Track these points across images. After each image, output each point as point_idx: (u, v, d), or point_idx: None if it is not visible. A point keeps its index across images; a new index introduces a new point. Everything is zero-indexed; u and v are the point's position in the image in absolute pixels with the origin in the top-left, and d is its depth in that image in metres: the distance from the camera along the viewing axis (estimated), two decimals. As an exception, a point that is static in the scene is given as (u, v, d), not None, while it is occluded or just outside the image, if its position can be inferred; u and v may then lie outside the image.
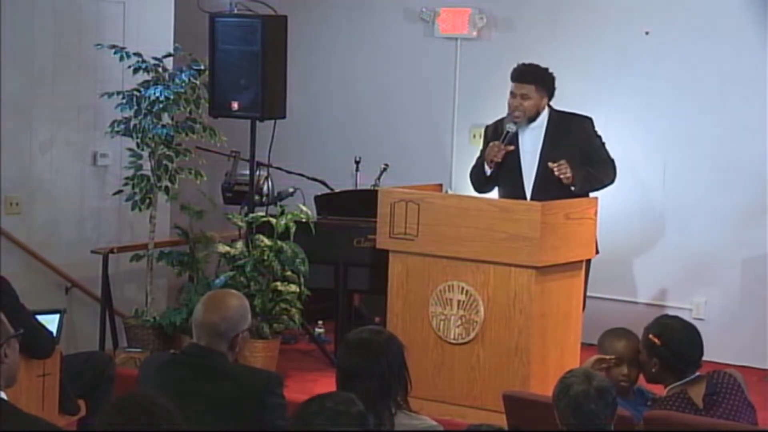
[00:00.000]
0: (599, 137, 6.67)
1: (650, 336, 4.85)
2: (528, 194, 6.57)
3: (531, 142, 6.62)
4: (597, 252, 6.63)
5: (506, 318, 6.12)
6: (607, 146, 6.67)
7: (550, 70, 6.67)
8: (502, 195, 6.68)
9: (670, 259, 7.97)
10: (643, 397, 5.02)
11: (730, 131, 7.79)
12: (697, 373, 4.79)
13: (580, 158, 6.56)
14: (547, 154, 6.56)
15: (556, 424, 4.07)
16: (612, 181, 6.66)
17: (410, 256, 6.37)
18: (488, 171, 6.67)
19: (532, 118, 6.62)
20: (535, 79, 6.63)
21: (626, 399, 4.93)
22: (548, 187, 6.50)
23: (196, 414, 3.81)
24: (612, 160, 6.65)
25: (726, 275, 7.82)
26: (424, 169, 8.35)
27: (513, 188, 6.60)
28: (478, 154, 6.86)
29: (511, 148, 6.61)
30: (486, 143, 6.80)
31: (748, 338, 7.69)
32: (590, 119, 6.70)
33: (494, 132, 6.78)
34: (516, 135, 6.61)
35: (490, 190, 6.76)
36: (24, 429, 3.49)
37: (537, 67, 6.69)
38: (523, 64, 6.71)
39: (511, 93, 6.64)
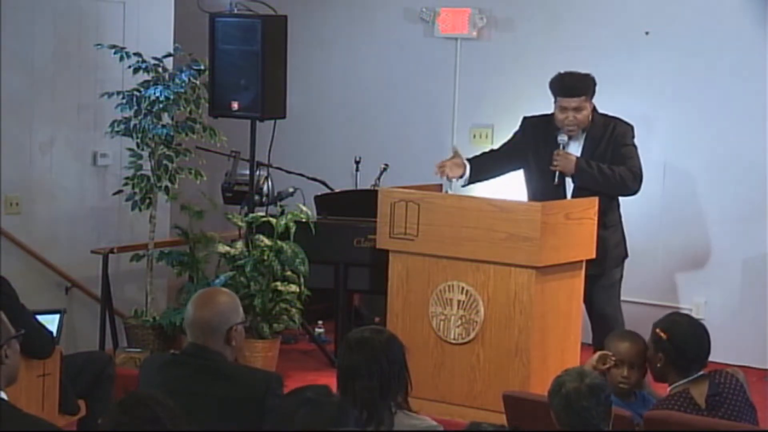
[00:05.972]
0: (635, 146, 6.52)
1: (657, 330, 4.84)
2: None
3: (573, 147, 6.50)
4: (626, 255, 6.71)
5: (506, 318, 6.12)
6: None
7: (591, 75, 6.52)
8: (538, 198, 6.46)
9: (670, 259, 7.97)
10: (644, 402, 5.00)
11: (730, 131, 7.79)
12: (701, 372, 4.79)
13: (611, 162, 6.46)
14: (586, 157, 6.47)
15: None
16: (630, 189, 6.48)
17: (410, 256, 6.37)
18: (459, 183, 6.63)
19: (586, 128, 6.49)
20: (584, 90, 6.45)
21: (626, 401, 4.92)
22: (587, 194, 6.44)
23: (197, 414, 3.80)
24: (638, 170, 6.47)
25: (726, 275, 7.81)
26: (424, 169, 8.30)
27: (550, 192, 6.44)
28: (505, 140, 6.77)
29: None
30: (523, 135, 6.64)
31: (748, 338, 7.68)
32: (631, 127, 6.56)
33: (533, 129, 6.59)
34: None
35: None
36: (24, 429, 3.49)
37: (582, 76, 6.50)
38: (567, 76, 6.49)
39: (561, 108, 6.43)
